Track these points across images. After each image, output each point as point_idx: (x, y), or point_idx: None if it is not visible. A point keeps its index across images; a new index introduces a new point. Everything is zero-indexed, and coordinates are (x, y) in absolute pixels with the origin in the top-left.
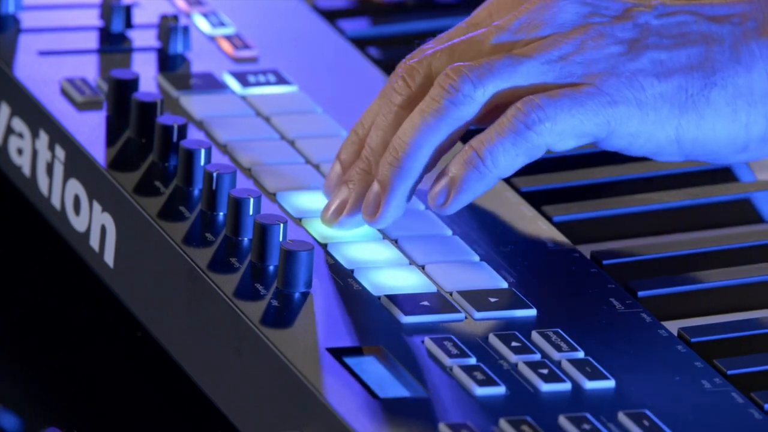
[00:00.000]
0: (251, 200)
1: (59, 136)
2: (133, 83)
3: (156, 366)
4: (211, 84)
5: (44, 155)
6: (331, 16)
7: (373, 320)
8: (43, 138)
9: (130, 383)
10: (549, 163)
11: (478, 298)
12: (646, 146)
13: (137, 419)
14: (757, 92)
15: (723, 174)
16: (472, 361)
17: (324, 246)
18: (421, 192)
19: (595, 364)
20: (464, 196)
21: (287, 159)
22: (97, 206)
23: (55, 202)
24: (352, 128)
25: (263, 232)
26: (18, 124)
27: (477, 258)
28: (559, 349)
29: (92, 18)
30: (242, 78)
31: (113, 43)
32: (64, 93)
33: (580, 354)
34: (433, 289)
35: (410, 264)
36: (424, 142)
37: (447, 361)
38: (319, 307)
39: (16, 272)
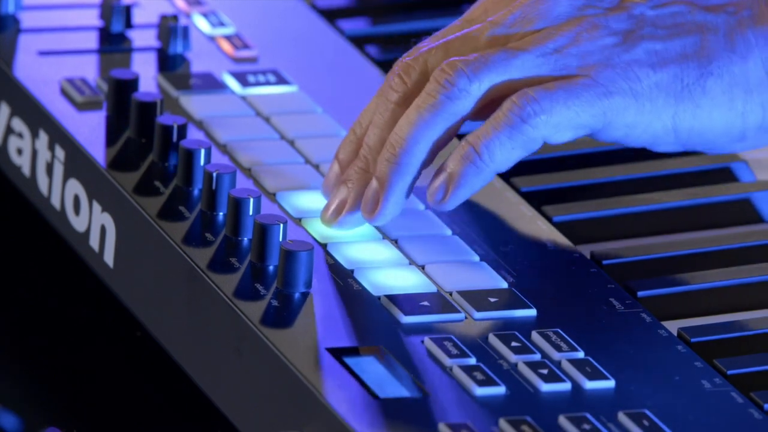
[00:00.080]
0: (251, 200)
1: (59, 136)
2: (132, 83)
3: (156, 366)
4: (211, 84)
5: (44, 155)
6: (331, 15)
7: (372, 320)
8: (43, 138)
9: (130, 383)
10: (549, 163)
11: (477, 298)
12: (643, 137)
13: (137, 419)
14: (753, 81)
15: (723, 174)
16: (472, 361)
17: (324, 246)
18: (421, 191)
19: (595, 364)
20: (462, 191)
21: (287, 159)
22: (96, 206)
23: (55, 202)
24: (350, 127)
25: (263, 232)
26: (18, 124)
27: (477, 258)
28: (558, 349)
29: (92, 18)
30: (242, 78)
31: (113, 43)
32: (64, 93)
33: (580, 354)
34: (432, 289)
35: (410, 264)
36: (421, 138)
37: (447, 361)
38: (319, 307)
39: (16, 272)
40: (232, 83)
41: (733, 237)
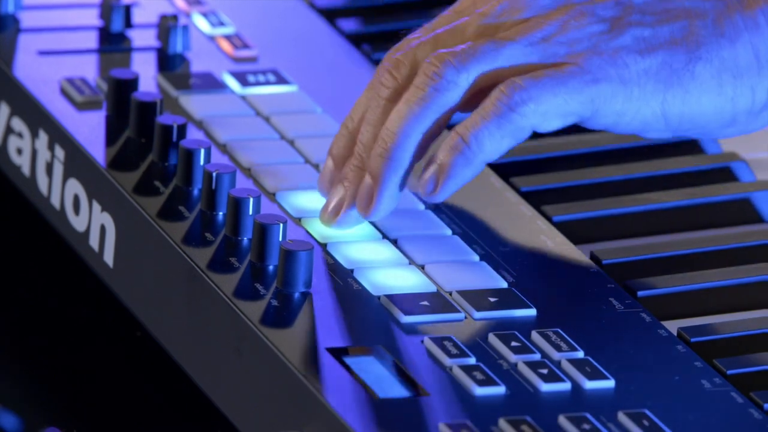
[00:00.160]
0: (251, 200)
1: (59, 135)
2: (132, 83)
3: (156, 366)
4: (211, 84)
5: (44, 155)
6: (330, 15)
7: (372, 320)
8: (43, 138)
9: (130, 383)
10: (549, 163)
11: (477, 298)
12: (633, 123)
13: (137, 419)
14: (743, 65)
15: (723, 174)
16: (472, 360)
17: (324, 246)
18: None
19: (595, 364)
20: (452, 182)
21: (287, 159)
22: (96, 206)
23: (55, 201)
24: (342, 122)
25: (263, 231)
26: (17, 124)
27: (477, 258)
28: (558, 348)
29: (92, 18)
30: (242, 78)
31: (113, 42)
32: (64, 93)
33: (580, 354)
34: (432, 288)
35: (410, 264)
36: (411, 131)
37: (447, 360)
38: (319, 306)
39: (16, 272)
40: (231, 83)
41: (733, 237)
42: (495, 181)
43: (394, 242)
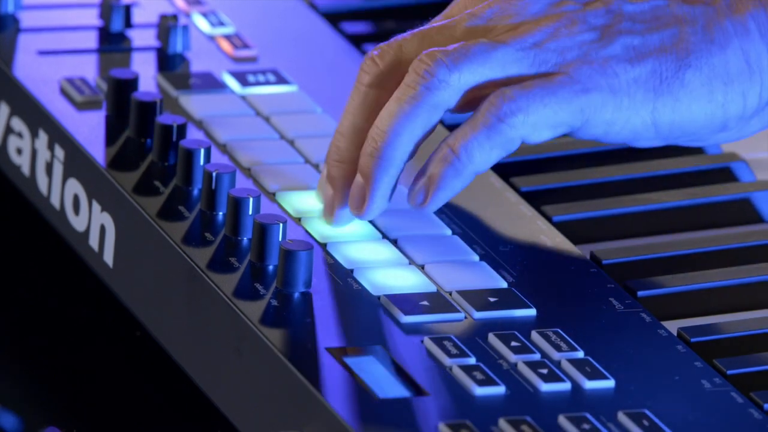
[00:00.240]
0: (251, 200)
1: (59, 135)
2: (132, 83)
3: (156, 366)
4: (211, 83)
5: (43, 155)
6: (331, 15)
7: (372, 320)
8: (43, 137)
9: (130, 383)
10: (549, 163)
11: (477, 298)
12: (623, 133)
13: (137, 419)
14: (733, 70)
15: (723, 174)
16: (472, 360)
17: (323, 246)
18: None
19: (595, 363)
20: (442, 194)
21: (287, 158)
22: (96, 206)
23: (55, 201)
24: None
25: (263, 231)
26: (17, 124)
27: (476, 258)
28: (558, 348)
29: (92, 17)
30: (242, 77)
31: (113, 42)
32: (64, 92)
33: (580, 354)
34: (432, 288)
35: (410, 264)
36: (402, 130)
37: (446, 360)
38: (319, 306)
39: (16, 272)
40: (231, 83)
41: (733, 237)
42: (495, 181)
43: (394, 242)
